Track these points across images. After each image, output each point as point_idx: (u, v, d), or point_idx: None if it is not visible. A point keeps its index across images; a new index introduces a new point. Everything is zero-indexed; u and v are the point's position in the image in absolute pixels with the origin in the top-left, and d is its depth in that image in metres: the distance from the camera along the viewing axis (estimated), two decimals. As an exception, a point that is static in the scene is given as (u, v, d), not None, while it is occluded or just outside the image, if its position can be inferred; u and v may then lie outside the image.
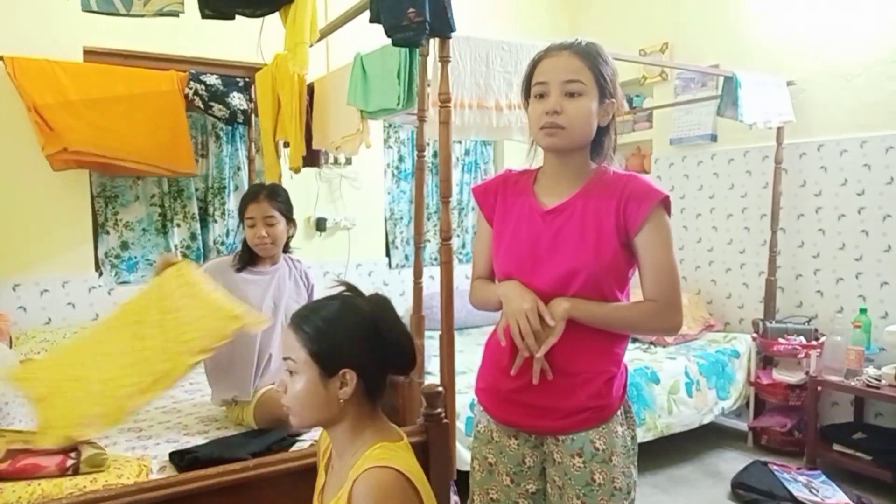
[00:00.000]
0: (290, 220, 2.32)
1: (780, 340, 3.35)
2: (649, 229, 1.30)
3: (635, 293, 1.36)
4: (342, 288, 1.21)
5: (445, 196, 2.06)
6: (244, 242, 2.29)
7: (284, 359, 1.15)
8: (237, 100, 3.34)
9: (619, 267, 1.32)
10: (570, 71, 1.30)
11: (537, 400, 1.34)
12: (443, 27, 1.90)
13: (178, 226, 3.60)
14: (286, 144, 3.25)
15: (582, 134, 1.31)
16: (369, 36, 2.23)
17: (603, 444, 1.32)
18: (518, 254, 1.37)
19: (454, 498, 1.78)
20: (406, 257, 4.34)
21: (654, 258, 1.31)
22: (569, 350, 1.31)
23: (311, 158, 3.21)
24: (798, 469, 3.05)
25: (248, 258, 2.29)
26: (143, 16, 1.96)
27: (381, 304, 1.19)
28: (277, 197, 2.26)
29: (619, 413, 1.36)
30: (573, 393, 1.32)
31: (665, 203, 1.32)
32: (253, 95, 3.37)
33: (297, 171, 3.08)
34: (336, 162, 3.95)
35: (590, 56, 1.31)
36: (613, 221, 1.30)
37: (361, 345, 1.13)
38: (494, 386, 1.42)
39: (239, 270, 2.27)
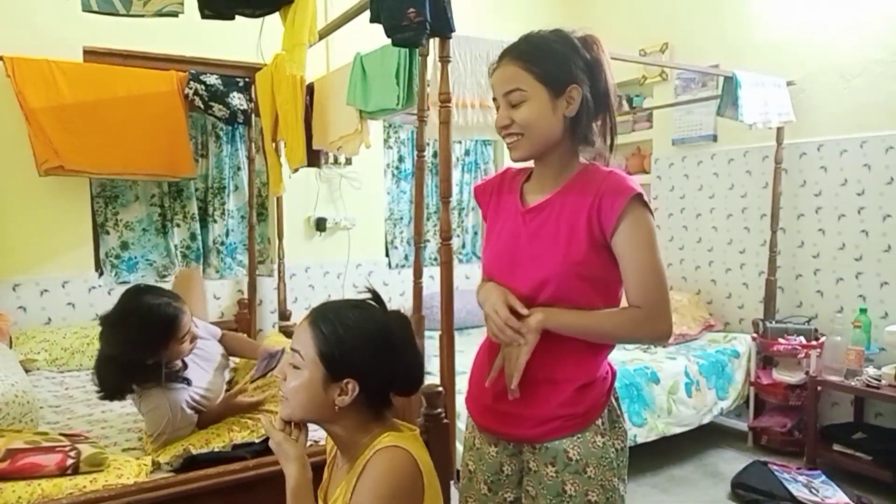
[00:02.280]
0: None
1: (780, 340, 3.35)
2: (627, 228, 1.20)
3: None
4: (367, 294, 1.21)
5: (445, 196, 2.06)
6: (161, 368, 1.92)
7: (293, 349, 1.15)
8: (237, 100, 3.34)
9: (590, 272, 1.23)
10: (507, 81, 1.25)
11: (512, 408, 1.31)
12: (443, 27, 1.90)
13: (178, 226, 3.61)
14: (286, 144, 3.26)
15: (543, 135, 1.25)
16: (369, 36, 2.23)
17: (577, 454, 1.26)
18: (499, 255, 1.34)
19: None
20: (406, 257, 4.34)
21: (637, 259, 1.21)
22: (541, 357, 1.25)
23: (312, 158, 3.21)
24: (798, 469, 3.05)
25: (167, 374, 1.96)
26: (142, 16, 1.95)
27: (399, 322, 1.19)
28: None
29: (599, 423, 1.29)
30: (545, 400, 1.28)
31: (640, 199, 1.22)
32: (253, 95, 3.37)
33: (295, 171, 3.09)
34: (336, 162, 3.95)
35: (525, 55, 1.25)
36: (585, 221, 1.22)
37: (371, 358, 1.13)
38: (479, 394, 1.40)
39: (173, 383, 1.97)
